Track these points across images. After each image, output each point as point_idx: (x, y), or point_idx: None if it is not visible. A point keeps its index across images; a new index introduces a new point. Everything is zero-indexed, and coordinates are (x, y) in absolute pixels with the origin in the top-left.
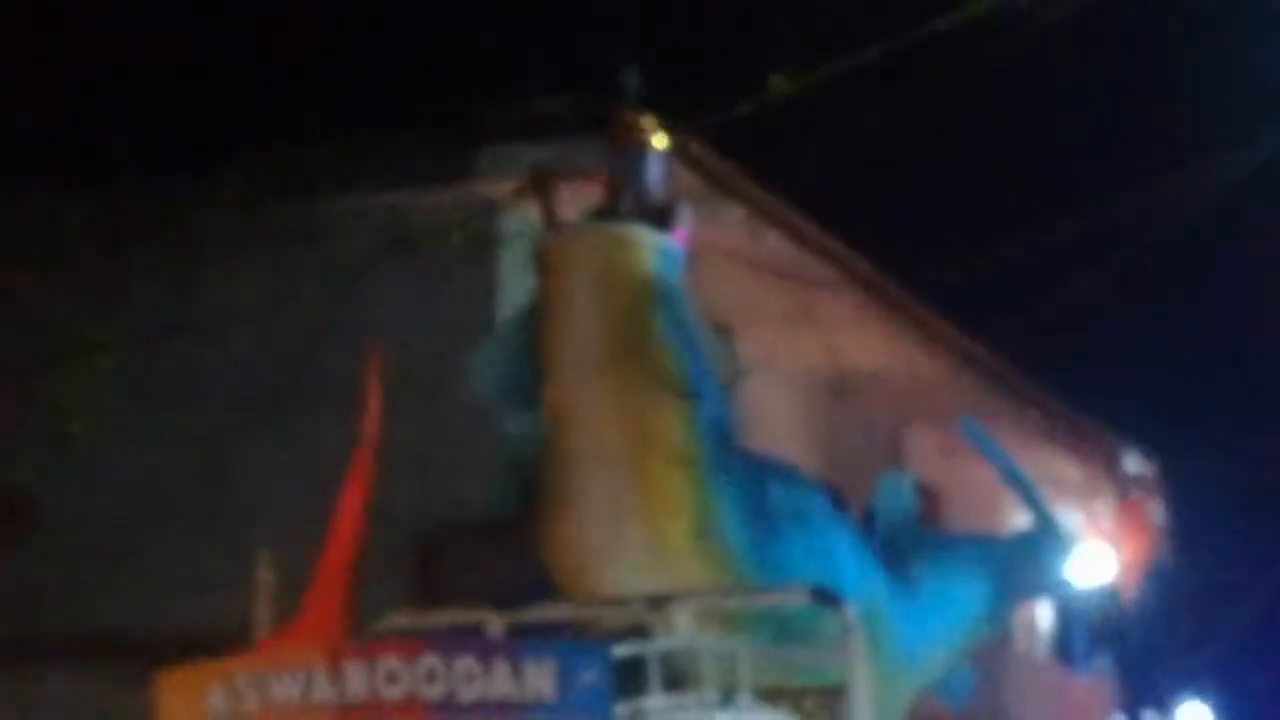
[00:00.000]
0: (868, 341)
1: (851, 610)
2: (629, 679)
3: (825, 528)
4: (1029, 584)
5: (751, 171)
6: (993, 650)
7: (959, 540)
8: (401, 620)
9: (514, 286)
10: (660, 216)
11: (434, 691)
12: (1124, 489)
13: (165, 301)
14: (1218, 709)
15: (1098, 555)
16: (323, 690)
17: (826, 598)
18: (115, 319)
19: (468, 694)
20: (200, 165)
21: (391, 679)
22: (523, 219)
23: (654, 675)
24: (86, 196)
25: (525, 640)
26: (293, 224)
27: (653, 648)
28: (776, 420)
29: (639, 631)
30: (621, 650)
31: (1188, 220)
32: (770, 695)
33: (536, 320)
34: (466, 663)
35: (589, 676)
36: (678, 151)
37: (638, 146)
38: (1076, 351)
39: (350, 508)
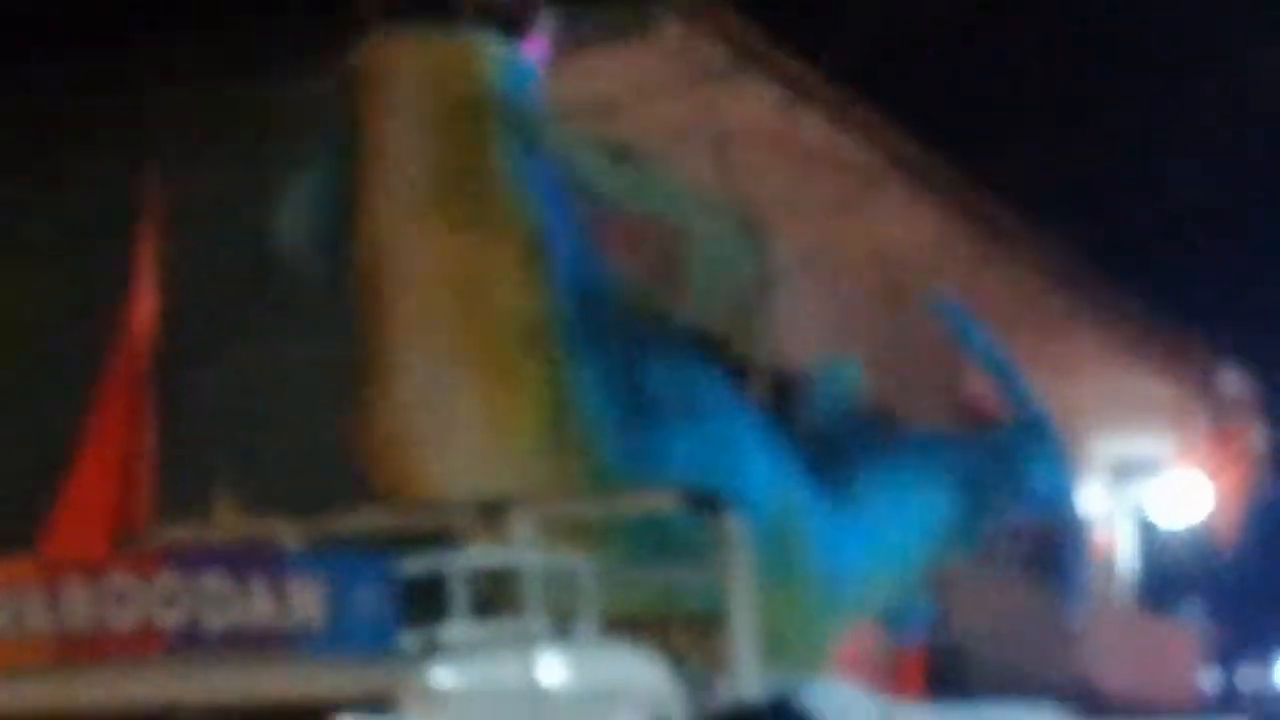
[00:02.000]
0: (921, 239)
1: (737, 520)
2: (433, 602)
3: (724, 420)
4: (1006, 493)
5: (789, 44)
6: (1062, 584)
7: (917, 439)
8: (180, 534)
9: None
10: (510, 21)
11: (172, 618)
12: (1221, 412)
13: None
14: None
15: (1190, 487)
16: (38, 617)
17: (703, 503)
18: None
19: (215, 621)
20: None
21: (121, 602)
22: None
23: (457, 597)
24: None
25: (288, 555)
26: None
27: (456, 561)
28: (816, 330)
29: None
30: (415, 566)
31: None
32: (630, 625)
33: (352, 149)
34: (214, 583)
35: (367, 599)
36: (702, 21)
37: None
38: (1168, 257)
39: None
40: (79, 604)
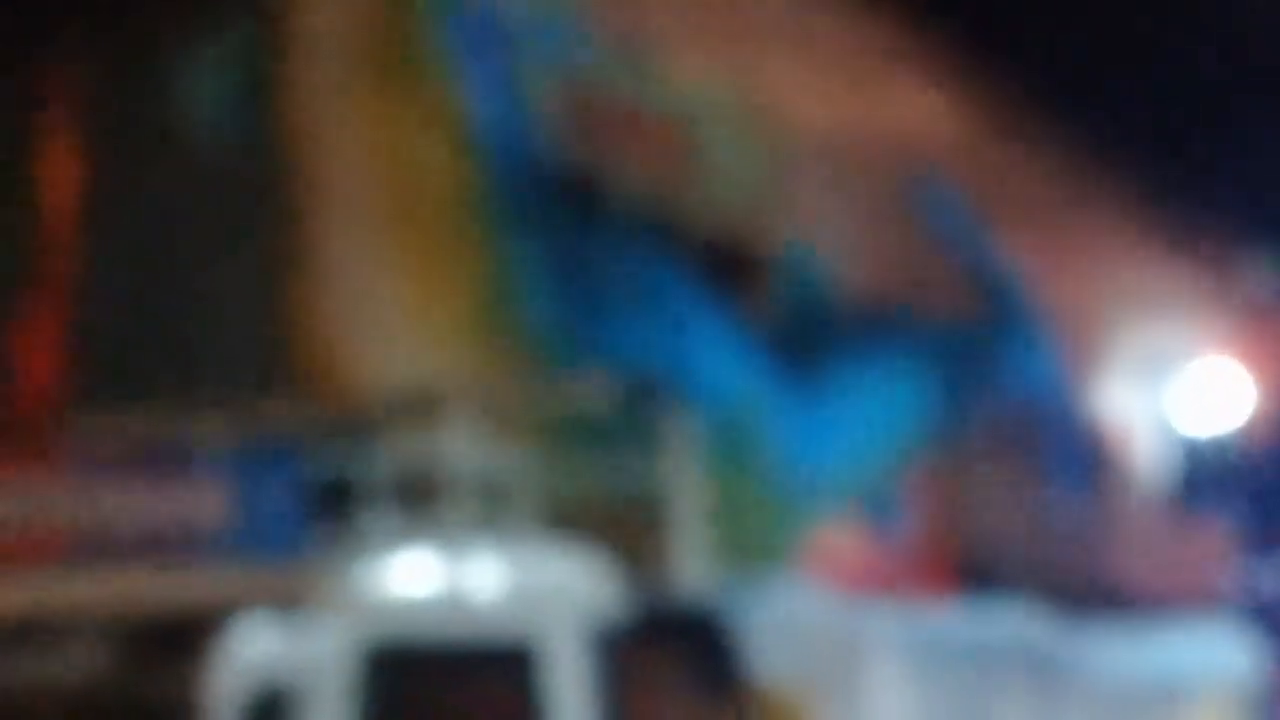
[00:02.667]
0: (937, 129)
1: (681, 409)
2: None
3: (677, 305)
4: (985, 383)
5: None
6: (1092, 483)
7: (890, 328)
8: (98, 427)
9: None
10: None
11: (76, 521)
12: (1255, 298)
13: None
14: None
15: (1225, 378)
16: None
17: (644, 392)
18: None
19: (121, 524)
20: None
21: (22, 505)
22: None
23: (377, 499)
24: None
25: (196, 455)
26: None
27: (375, 464)
28: (827, 221)
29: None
30: (329, 469)
31: None
32: (569, 519)
33: (271, 21)
34: (119, 485)
35: (279, 499)
36: None
37: None
38: (1197, 131)
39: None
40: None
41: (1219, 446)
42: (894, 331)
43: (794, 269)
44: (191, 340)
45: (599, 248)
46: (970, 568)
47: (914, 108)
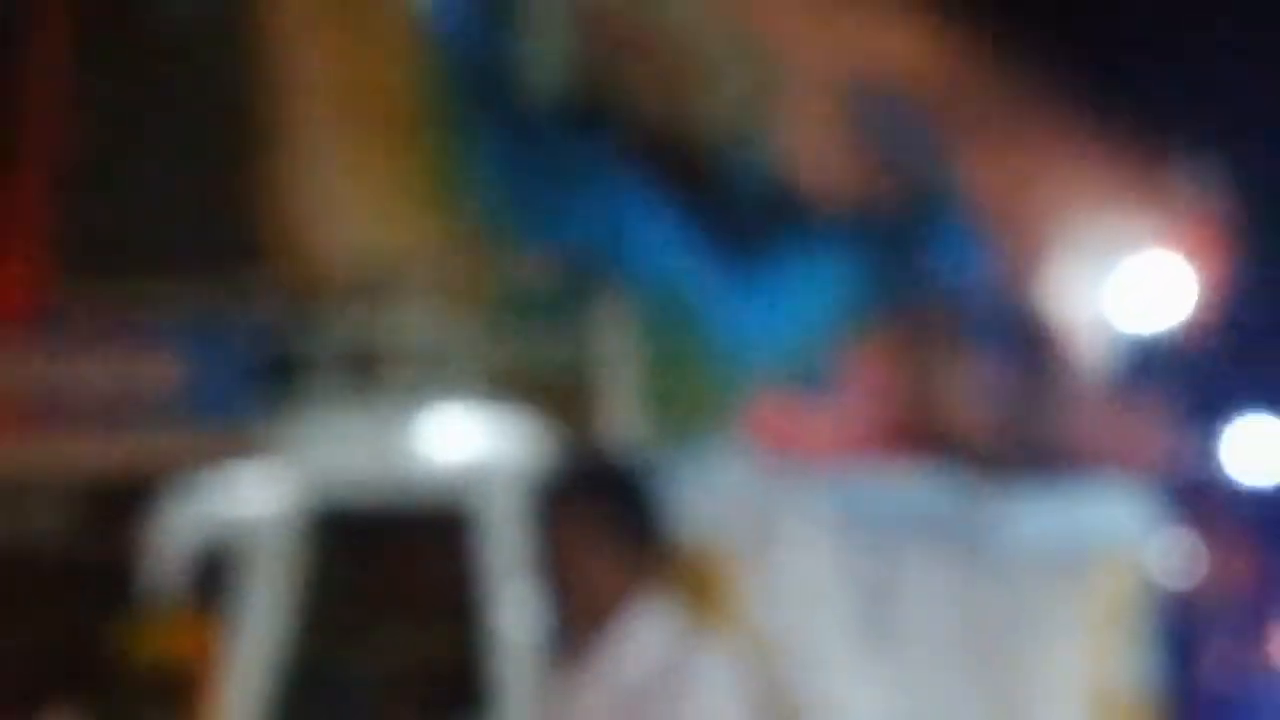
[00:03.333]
0: (901, 49)
1: (613, 286)
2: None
3: (620, 193)
4: (913, 266)
5: None
6: (1043, 374)
7: (824, 217)
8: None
9: None
10: None
11: (30, 387)
12: (1195, 208)
13: None
14: None
15: (1162, 271)
16: None
17: (577, 267)
18: None
19: (78, 391)
20: None
21: None
22: None
23: (322, 371)
24: None
25: (145, 323)
26: None
27: (319, 341)
28: (804, 140)
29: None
30: (276, 344)
31: None
32: (509, 388)
33: None
34: (74, 354)
35: (222, 365)
36: None
37: None
38: (1135, 42)
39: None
40: None
41: (1159, 331)
42: (831, 221)
43: (743, 164)
44: (164, 219)
45: (547, 140)
46: (909, 439)
47: (872, 26)
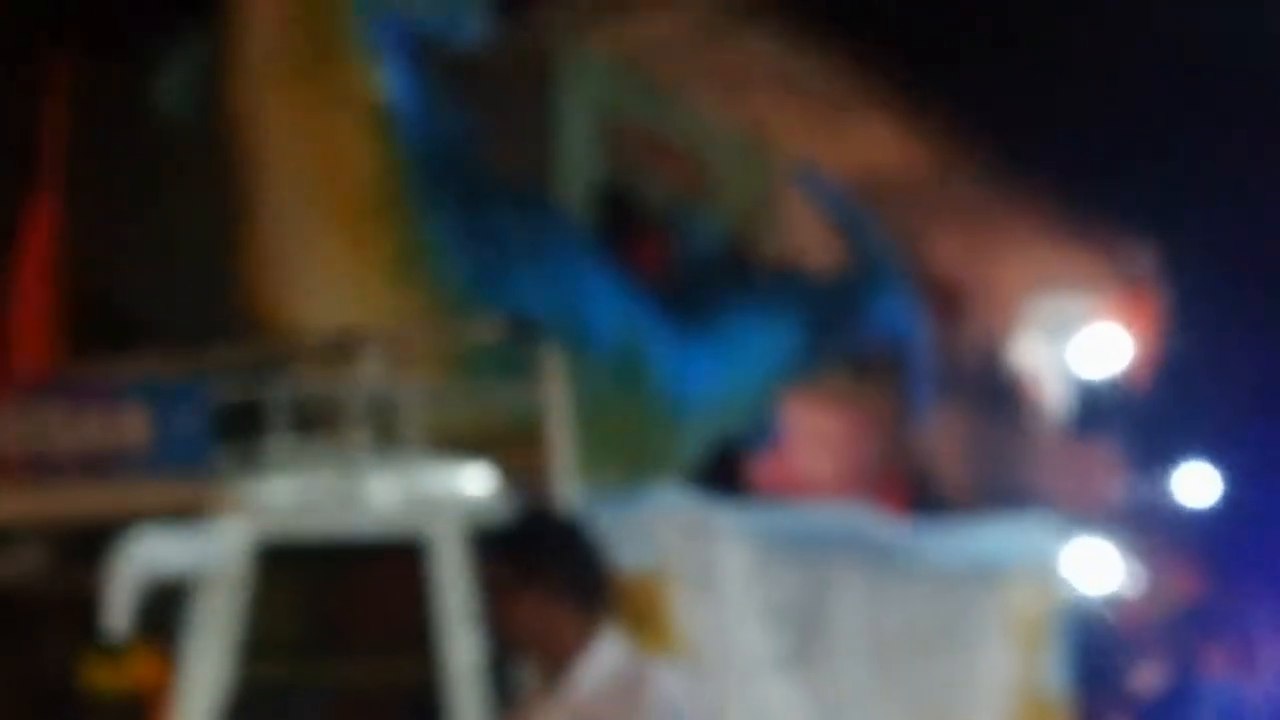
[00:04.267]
0: (890, 157)
1: (554, 346)
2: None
3: (571, 262)
4: (848, 328)
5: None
6: (1008, 422)
7: (770, 282)
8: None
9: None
10: None
11: (16, 444)
12: (1130, 278)
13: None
14: (1221, 468)
15: (1108, 338)
16: None
17: (524, 331)
18: None
19: (60, 444)
20: None
21: None
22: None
23: (276, 419)
24: None
25: (119, 386)
26: None
27: (276, 387)
28: (809, 227)
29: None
30: (233, 391)
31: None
32: (463, 444)
33: (222, 28)
34: (55, 410)
35: (186, 421)
36: None
37: None
38: (1088, 153)
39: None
40: None
41: (1106, 387)
42: (776, 283)
43: (688, 231)
44: (149, 291)
45: (503, 217)
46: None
47: (870, 136)
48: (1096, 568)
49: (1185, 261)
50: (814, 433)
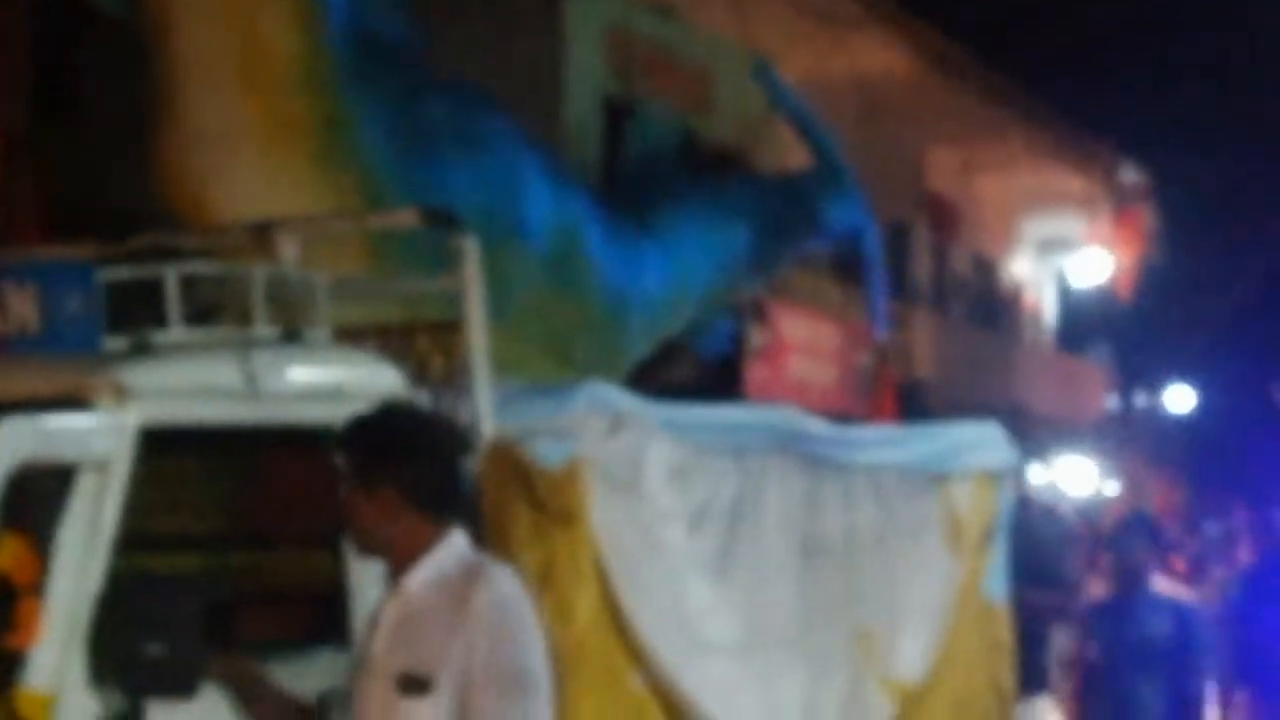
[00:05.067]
0: (893, 71)
1: (470, 235)
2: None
3: (505, 155)
4: (802, 228)
5: None
6: (1000, 336)
7: (722, 183)
8: None
9: None
10: None
11: None
12: (1121, 198)
13: None
14: (1200, 389)
15: (1097, 258)
16: None
17: (439, 219)
18: None
19: None
20: None
21: None
22: None
23: (172, 304)
24: None
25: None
26: None
27: (170, 270)
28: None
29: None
30: (121, 272)
31: None
32: (376, 332)
33: None
34: None
35: (75, 304)
36: None
37: None
38: (1083, 75)
39: None
40: None
41: (1093, 298)
42: (727, 182)
43: (637, 135)
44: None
45: (435, 110)
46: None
47: (870, 50)
48: (1079, 476)
49: (1177, 183)
50: (808, 341)
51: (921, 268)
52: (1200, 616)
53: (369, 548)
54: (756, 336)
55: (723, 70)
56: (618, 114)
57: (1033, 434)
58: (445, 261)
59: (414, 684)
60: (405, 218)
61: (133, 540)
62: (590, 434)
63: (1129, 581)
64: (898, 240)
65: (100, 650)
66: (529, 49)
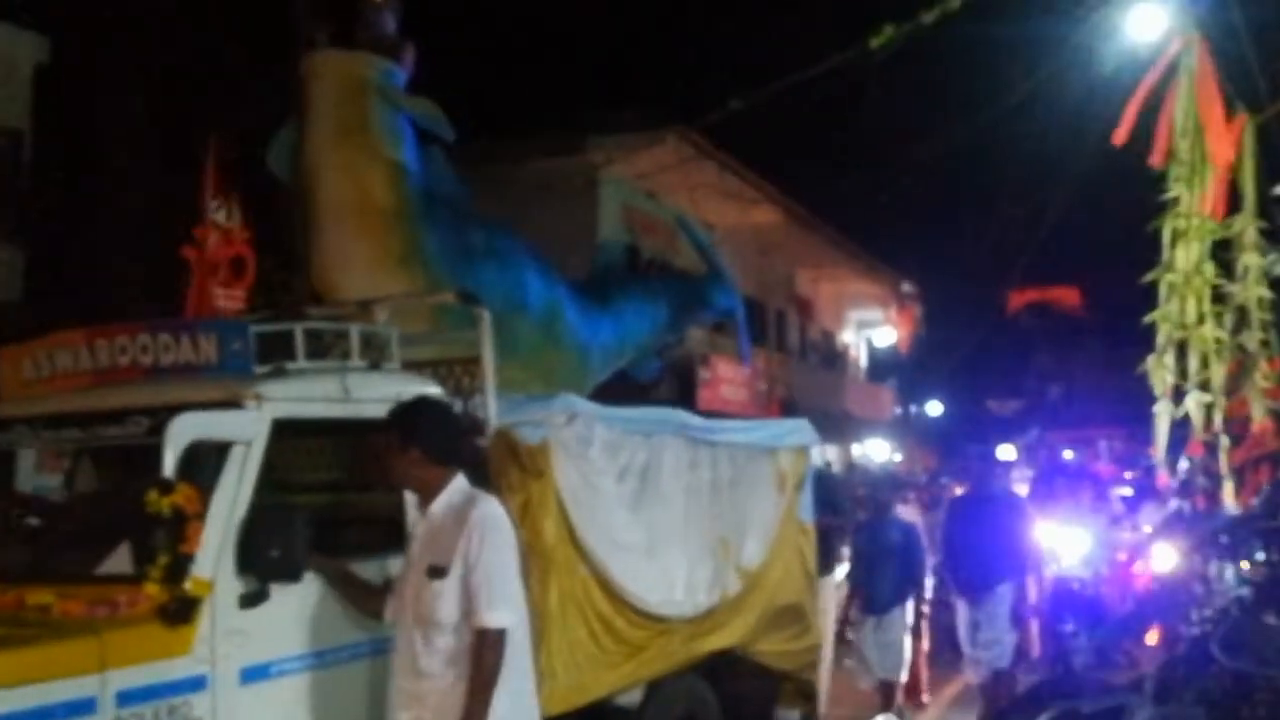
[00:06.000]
0: (776, 229)
1: (483, 308)
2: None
3: (515, 260)
4: (698, 308)
5: (716, 144)
6: (836, 373)
7: (652, 280)
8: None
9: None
10: (391, 50)
11: (145, 359)
12: (902, 299)
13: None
14: (948, 404)
15: (889, 332)
16: (84, 360)
17: (467, 297)
18: None
19: (166, 360)
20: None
21: (122, 351)
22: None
23: (299, 346)
24: None
25: (199, 319)
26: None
27: (299, 325)
28: (736, 265)
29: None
30: (267, 327)
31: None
32: (431, 366)
33: (300, 111)
34: (164, 337)
35: (238, 345)
36: (690, 139)
37: (372, 4)
38: (885, 227)
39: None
40: (102, 353)
41: (888, 352)
42: (655, 280)
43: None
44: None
45: (474, 236)
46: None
47: (762, 214)
48: (879, 451)
49: (936, 289)
50: (731, 376)
51: (793, 336)
52: (916, 531)
53: (404, 487)
54: (703, 373)
55: (683, 228)
56: (628, 253)
57: (853, 427)
58: (472, 323)
59: (436, 571)
60: (447, 297)
61: (274, 486)
62: (555, 423)
63: (878, 509)
64: (780, 320)
65: (243, 552)
66: (575, 214)
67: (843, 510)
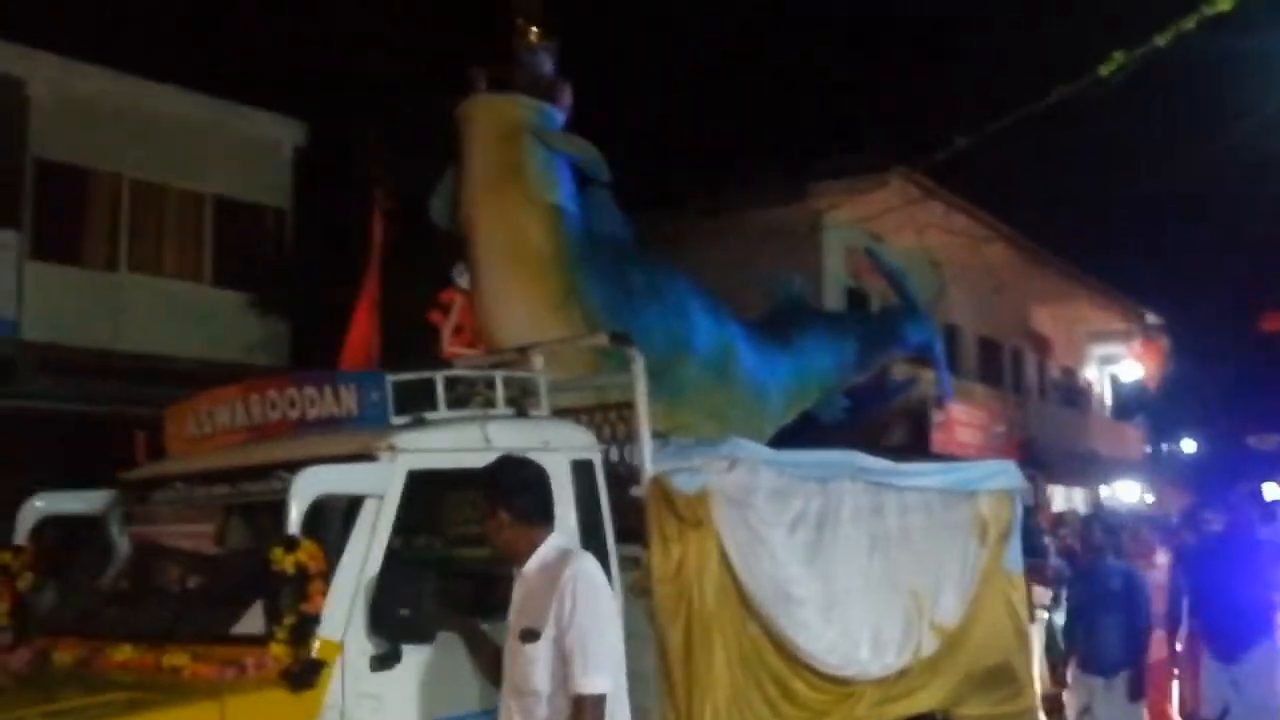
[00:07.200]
0: (1010, 263)
1: (639, 351)
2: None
3: (680, 300)
4: (890, 344)
5: (941, 182)
6: (1078, 412)
7: (837, 316)
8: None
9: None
10: (547, 91)
11: (294, 413)
12: (1147, 332)
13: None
14: (1202, 441)
15: (1134, 367)
16: (240, 417)
17: (619, 339)
18: None
19: (311, 413)
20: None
21: (273, 406)
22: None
23: (440, 395)
24: None
25: (339, 373)
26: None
27: (438, 375)
28: (959, 298)
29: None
30: (405, 376)
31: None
32: (577, 413)
33: (458, 160)
34: (310, 391)
35: (376, 396)
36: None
37: (528, 44)
38: (1124, 256)
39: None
40: (255, 408)
41: (1133, 387)
42: (840, 317)
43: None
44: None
45: (636, 276)
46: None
47: (995, 253)
48: (1128, 492)
49: (1179, 327)
50: (966, 418)
51: (1030, 375)
52: (1139, 577)
53: (497, 550)
54: (937, 416)
55: (911, 269)
56: (852, 296)
57: (1100, 468)
58: (620, 365)
59: (528, 635)
60: (600, 339)
61: (417, 541)
62: (715, 470)
63: (1094, 552)
64: (1016, 359)
65: (374, 612)
66: (803, 257)
67: (1040, 551)
